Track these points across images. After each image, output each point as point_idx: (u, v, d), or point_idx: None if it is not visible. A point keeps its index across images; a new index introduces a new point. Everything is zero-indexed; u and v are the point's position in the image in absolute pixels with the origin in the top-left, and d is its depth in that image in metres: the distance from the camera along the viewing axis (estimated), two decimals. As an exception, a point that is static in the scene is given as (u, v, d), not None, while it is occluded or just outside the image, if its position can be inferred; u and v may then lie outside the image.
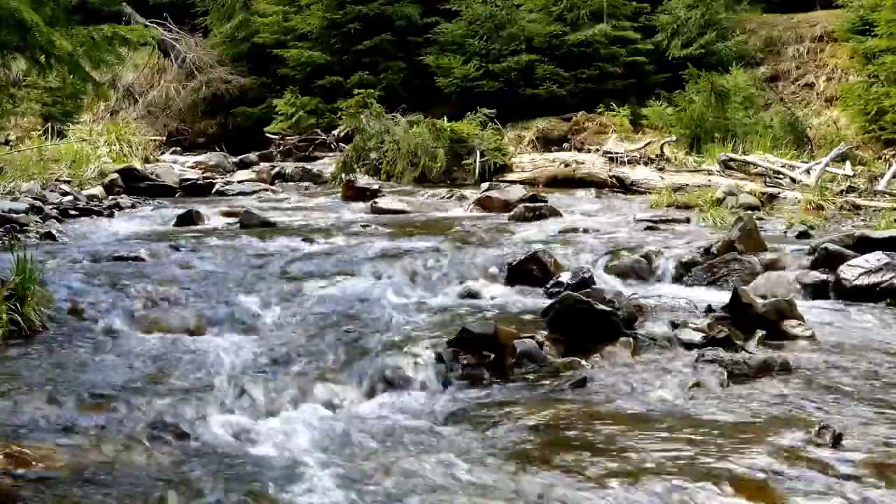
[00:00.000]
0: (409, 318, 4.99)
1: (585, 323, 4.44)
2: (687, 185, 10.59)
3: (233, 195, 11.39)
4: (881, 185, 9.67)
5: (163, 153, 15.92)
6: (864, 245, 6.07)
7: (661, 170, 11.93)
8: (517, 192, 10.07)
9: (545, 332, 4.46)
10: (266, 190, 11.94)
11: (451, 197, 10.56)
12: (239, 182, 12.27)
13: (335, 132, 16.39)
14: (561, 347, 4.36)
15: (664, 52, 16.40)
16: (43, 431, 3.34)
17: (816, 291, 5.66)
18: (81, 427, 3.40)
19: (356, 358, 4.25)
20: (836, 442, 3.22)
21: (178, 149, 17.78)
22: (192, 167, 13.64)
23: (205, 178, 12.57)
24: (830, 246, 6.11)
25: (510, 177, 12.22)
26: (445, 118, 13.46)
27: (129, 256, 6.49)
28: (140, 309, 5.11)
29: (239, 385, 3.89)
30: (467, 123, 12.98)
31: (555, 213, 8.96)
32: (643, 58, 16.45)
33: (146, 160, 13.37)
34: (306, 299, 5.43)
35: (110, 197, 10.44)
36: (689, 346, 4.45)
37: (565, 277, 5.73)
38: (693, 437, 3.33)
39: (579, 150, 13.65)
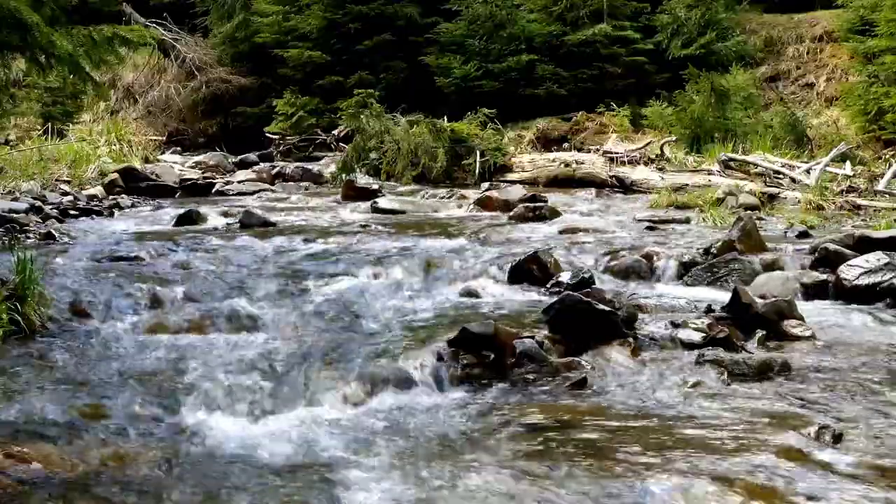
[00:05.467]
0: (409, 317, 4.99)
1: (585, 323, 4.44)
2: (687, 185, 10.59)
3: (233, 195, 11.38)
4: (881, 185, 9.68)
5: (163, 153, 15.92)
6: (864, 245, 6.06)
7: (661, 170, 11.93)
8: (517, 192, 10.06)
9: (545, 332, 4.45)
10: (266, 190, 11.93)
11: (451, 197, 10.56)
12: (239, 182, 12.26)
13: (335, 132, 16.39)
14: (561, 347, 4.35)
15: (664, 52, 16.40)
16: (43, 431, 3.34)
17: (816, 291, 5.65)
18: (81, 427, 3.40)
19: (356, 358, 4.24)
20: (836, 442, 3.23)
21: (179, 149, 17.78)
22: (192, 167, 13.63)
23: (205, 178, 12.56)
24: (830, 246, 6.11)
25: (510, 177, 12.22)
26: (445, 118, 13.46)
27: (129, 256, 6.49)
28: (140, 309, 5.11)
29: (239, 385, 3.89)
30: (467, 123, 12.98)
31: (555, 213, 8.96)
32: (643, 58, 16.45)
33: (146, 160, 13.35)
34: (306, 299, 5.43)
35: (110, 197, 10.44)
36: (689, 345, 4.45)
37: (565, 277, 5.73)
38: (693, 436, 3.33)
39: (579, 150, 13.64)
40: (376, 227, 8.28)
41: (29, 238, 7.22)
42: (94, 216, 9.03)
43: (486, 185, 11.53)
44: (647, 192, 10.89)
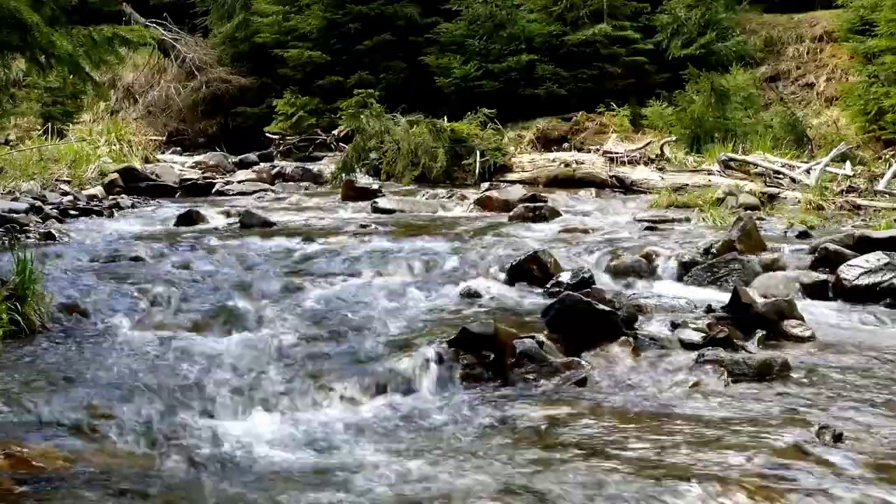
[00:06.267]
0: (409, 317, 4.99)
1: (585, 323, 4.44)
2: (687, 185, 10.60)
3: (233, 195, 11.39)
4: (881, 185, 9.68)
5: (163, 153, 15.92)
6: (864, 245, 6.07)
7: (661, 170, 11.94)
8: (517, 192, 10.07)
9: (545, 332, 4.44)
10: (266, 190, 11.94)
11: (451, 197, 10.56)
12: (239, 182, 12.27)
13: (335, 132, 16.40)
14: (561, 347, 4.35)
15: (664, 52, 16.40)
16: (43, 431, 3.34)
17: (816, 291, 5.65)
18: (81, 427, 3.40)
19: (356, 358, 4.25)
20: (836, 442, 3.22)
21: (179, 149, 17.79)
22: (192, 167, 13.64)
23: (205, 178, 12.57)
24: (830, 246, 6.11)
25: (510, 177, 12.22)
26: (445, 118, 13.46)
27: (129, 256, 6.49)
28: (140, 309, 5.11)
29: (239, 385, 3.89)
30: (467, 123, 12.98)
31: (555, 213, 8.96)
32: (643, 58, 16.45)
33: (146, 160, 13.36)
34: (306, 299, 5.43)
35: (110, 197, 10.45)
36: (689, 346, 4.45)
37: (565, 277, 5.72)
38: (693, 436, 3.33)
39: (579, 150, 13.65)
40: (376, 227, 8.28)
41: (29, 238, 7.22)
42: (94, 216, 9.03)
43: (486, 185, 11.53)
44: (647, 192, 10.89)
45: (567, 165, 12.05)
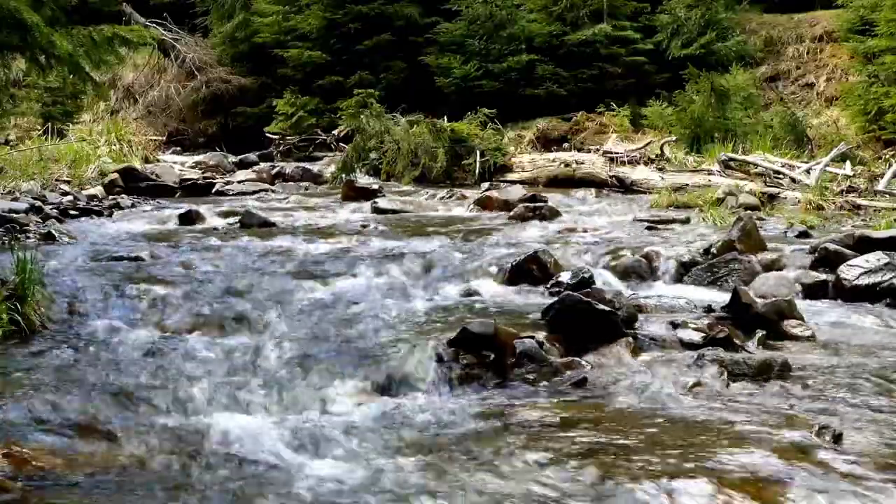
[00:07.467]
0: (409, 317, 4.99)
1: (585, 323, 4.44)
2: (687, 185, 10.60)
3: (233, 195, 11.39)
4: (881, 185, 9.68)
5: (163, 153, 15.92)
6: (864, 245, 6.07)
7: (661, 170, 11.94)
8: (517, 192, 10.07)
9: (545, 332, 4.45)
10: (266, 190, 11.95)
11: (451, 197, 10.56)
12: (239, 182, 12.28)
13: (335, 132, 16.40)
14: (561, 347, 4.35)
15: (664, 52, 16.41)
16: (43, 431, 3.33)
17: (816, 291, 5.66)
18: (81, 427, 3.40)
19: (356, 358, 4.24)
20: (836, 442, 3.22)
21: (179, 149, 17.79)
22: (192, 167, 13.64)
23: (205, 178, 12.57)
24: (830, 246, 6.11)
25: (510, 177, 12.22)
26: (445, 118, 13.46)
27: (129, 256, 6.49)
28: (139, 309, 5.11)
29: (238, 386, 3.89)
30: (467, 123, 12.98)
31: (555, 213, 8.96)
32: (643, 58, 16.46)
33: (146, 160, 13.37)
34: (306, 299, 5.43)
35: (110, 197, 10.45)
36: (689, 345, 4.45)
37: (565, 277, 5.72)
38: (693, 436, 3.33)
39: (579, 150, 13.65)
40: (376, 227, 8.29)
41: (29, 238, 7.22)
42: (94, 216, 9.03)
43: (486, 185, 11.54)
44: (647, 192, 10.89)
45: (567, 165, 12.05)
